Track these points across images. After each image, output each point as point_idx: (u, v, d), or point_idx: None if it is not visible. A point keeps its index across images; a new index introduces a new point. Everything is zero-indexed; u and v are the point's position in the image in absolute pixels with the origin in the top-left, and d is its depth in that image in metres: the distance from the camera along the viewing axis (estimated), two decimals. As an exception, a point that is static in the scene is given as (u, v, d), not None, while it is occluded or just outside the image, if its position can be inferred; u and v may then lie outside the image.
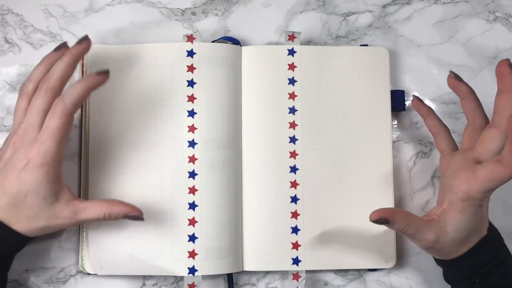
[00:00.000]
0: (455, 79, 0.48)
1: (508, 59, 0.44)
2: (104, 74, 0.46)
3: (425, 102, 0.54)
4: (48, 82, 0.46)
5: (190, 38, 0.55)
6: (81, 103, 0.46)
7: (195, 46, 0.55)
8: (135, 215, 0.48)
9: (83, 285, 0.54)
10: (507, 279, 0.47)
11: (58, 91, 0.46)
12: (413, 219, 0.45)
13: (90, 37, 0.57)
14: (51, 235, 0.53)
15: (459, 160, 0.47)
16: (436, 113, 0.58)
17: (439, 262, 0.50)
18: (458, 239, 0.46)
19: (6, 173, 0.45)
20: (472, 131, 0.49)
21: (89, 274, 0.53)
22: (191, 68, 0.54)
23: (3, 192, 0.45)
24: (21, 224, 0.45)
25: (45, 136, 0.45)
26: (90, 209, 0.47)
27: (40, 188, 0.45)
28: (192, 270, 0.52)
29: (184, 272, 0.52)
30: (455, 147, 0.51)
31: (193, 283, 0.51)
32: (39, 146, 0.45)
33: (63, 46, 0.50)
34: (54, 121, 0.44)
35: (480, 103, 0.48)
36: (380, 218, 0.44)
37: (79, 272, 0.54)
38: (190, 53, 0.55)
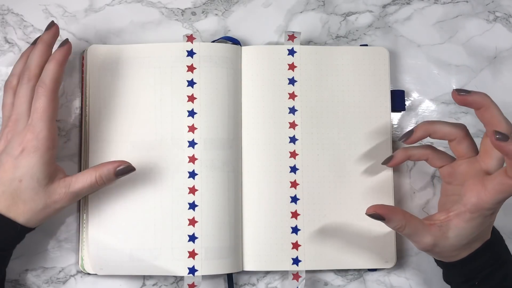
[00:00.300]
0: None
1: None
2: (67, 45, 0.49)
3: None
4: (28, 71, 0.49)
5: (190, 38, 0.55)
6: (60, 79, 0.48)
7: (195, 46, 0.55)
8: (125, 166, 0.49)
9: (83, 285, 0.54)
10: (507, 281, 0.46)
11: (38, 78, 0.48)
12: (411, 221, 0.45)
13: (90, 37, 0.57)
14: (51, 230, 0.53)
15: (466, 169, 0.47)
16: (436, 113, 0.58)
17: (439, 263, 0.50)
18: (458, 245, 0.46)
19: (1, 162, 0.47)
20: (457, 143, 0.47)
21: (89, 274, 0.53)
22: (191, 68, 0.54)
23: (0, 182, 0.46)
24: (19, 211, 0.46)
25: (35, 119, 0.47)
26: (80, 178, 0.48)
27: (34, 171, 0.46)
28: (192, 270, 0.52)
29: (184, 272, 0.52)
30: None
31: (193, 283, 0.51)
32: (31, 130, 0.47)
33: (37, 39, 0.51)
34: (40, 102, 0.47)
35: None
36: (376, 214, 0.44)
37: (79, 272, 0.54)
38: (190, 53, 0.55)
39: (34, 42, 0.51)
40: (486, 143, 0.46)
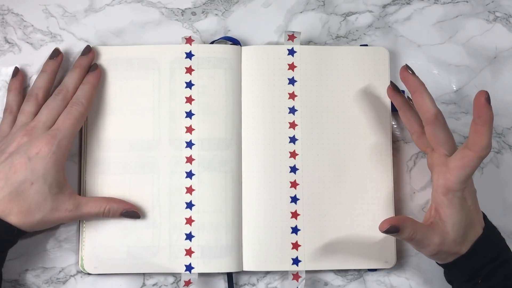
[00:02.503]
0: (406, 70, 0.47)
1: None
2: (98, 70, 0.53)
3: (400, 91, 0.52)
4: (66, 91, 0.52)
5: (189, 40, 0.55)
6: (92, 100, 0.52)
7: (193, 48, 0.55)
8: (132, 211, 0.51)
9: (83, 285, 0.54)
10: (510, 280, 0.47)
11: (71, 98, 0.52)
12: (418, 225, 0.46)
13: (90, 37, 0.57)
14: (51, 230, 0.53)
15: (432, 160, 0.49)
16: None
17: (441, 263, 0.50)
18: (458, 237, 0.46)
19: (13, 162, 0.46)
20: (417, 138, 0.51)
21: (89, 274, 0.53)
22: (189, 70, 0.55)
23: (6, 181, 0.46)
24: (18, 216, 0.46)
25: (62, 127, 0.49)
26: (91, 204, 0.50)
27: (48, 175, 0.47)
28: (188, 268, 0.52)
29: (181, 270, 0.52)
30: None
31: (189, 280, 0.52)
32: (54, 136, 0.48)
33: (58, 53, 0.54)
34: (72, 115, 0.50)
35: (431, 97, 0.46)
36: (391, 227, 0.44)
37: (79, 272, 0.54)
38: (189, 55, 0.55)
39: (55, 56, 0.53)
40: (428, 132, 0.47)
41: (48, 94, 0.52)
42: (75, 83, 0.52)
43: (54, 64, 0.53)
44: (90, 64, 0.54)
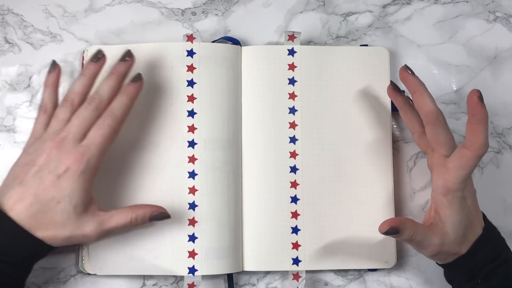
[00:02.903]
0: (405, 70, 0.47)
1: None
2: (140, 81, 0.49)
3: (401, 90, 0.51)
4: (99, 100, 0.47)
5: (190, 38, 0.55)
6: (128, 113, 0.48)
7: (195, 46, 0.55)
8: (160, 213, 0.49)
9: (83, 285, 0.54)
10: (509, 280, 0.47)
11: (105, 109, 0.48)
12: (418, 226, 0.46)
13: (90, 37, 0.57)
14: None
15: (431, 160, 0.49)
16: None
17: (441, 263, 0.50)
18: (458, 237, 0.46)
19: (42, 179, 0.45)
20: (418, 138, 0.51)
21: (89, 274, 0.53)
22: (191, 68, 0.54)
23: (35, 199, 0.45)
24: (47, 232, 0.45)
25: (92, 145, 0.46)
26: (115, 217, 0.48)
27: (74, 195, 0.45)
28: (192, 270, 0.52)
29: (184, 272, 0.52)
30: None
31: (193, 282, 0.51)
32: (83, 153, 0.46)
33: (101, 55, 0.49)
34: (104, 130, 0.46)
35: (431, 97, 0.46)
36: (391, 228, 0.44)
37: (79, 272, 0.54)
38: (190, 53, 0.55)
39: (98, 59, 0.49)
40: (429, 132, 0.47)
41: (85, 100, 0.48)
42: (110, 92, 0.48)
43: (95, 67, 0.49)
44: (129, 71, 0.49)
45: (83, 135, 0.47)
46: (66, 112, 0.48)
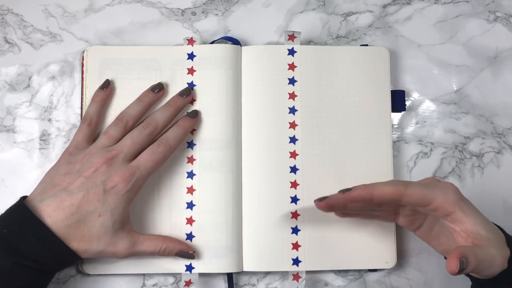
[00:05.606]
0: (343, 194, 0.44)
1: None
2: (197, 117, 0.53)
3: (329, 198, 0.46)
4: (154, 127, 0.50)
5: (191, 41, 0.55)
6: (179, 145, 0.52)
7: (195, 48, 0.55)
8: (187, 252, 0.50)
9: (83, 285, 0.54)
10: None
11: (157, 135, 0.51)
12: (470, 247, 0.42)
13: (90, 37, 0.57)
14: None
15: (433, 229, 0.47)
16: (437, 113, 0.58)
17: (477, 284, 0.47)
18: (491, 235, 0.43)
19: (88, 191, 0.46)
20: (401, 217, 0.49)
21: (89, 274, 0.53)
22: (191, 71, 0.54)
23: (77, 209, 0.45)
24: (81, 244, 0.46)
25: (143, 167, 0.48)
26: (147, 242, 0.49)
27: (115, 212, 0.46)
28: (189, 268, 0.52)
29: (181, 270, 0.52)
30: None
31: (190, 280, 0.52)
32: (132, 173, 0.47)
33: (161, 87, 0.53)
34: (156, 156, 0.49)
35: (383, 184, 0.45)
36: (461, 260, 0.40)
37: (79, 272, 0.54)
38: (191, 56, 0.55)
39: (156, 90, 0.53)
40: (416, 195, 0.44)
41: (137, 124, 0.51)
42: (166, 120, 0.51)
43: (154, 97, 0.52)
44: (185, 106, 0.53)
45: (133, 157, 0.48)
46: (118, 132, 0.50)
